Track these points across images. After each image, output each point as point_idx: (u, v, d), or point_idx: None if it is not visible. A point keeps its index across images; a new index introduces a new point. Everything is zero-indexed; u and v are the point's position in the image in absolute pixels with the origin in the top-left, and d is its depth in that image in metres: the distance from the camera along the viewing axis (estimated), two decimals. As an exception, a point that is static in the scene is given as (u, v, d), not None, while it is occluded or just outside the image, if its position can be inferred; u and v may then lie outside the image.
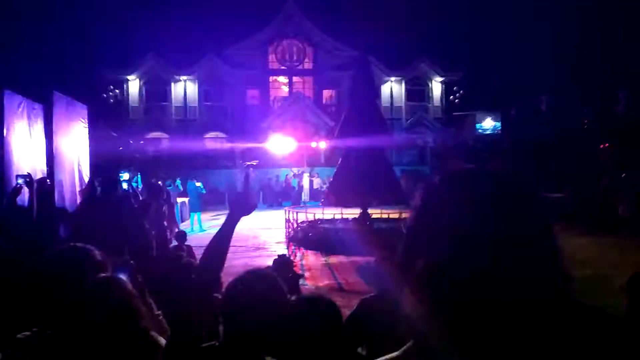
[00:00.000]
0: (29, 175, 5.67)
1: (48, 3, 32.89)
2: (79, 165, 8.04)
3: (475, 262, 0.71)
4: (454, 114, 34.33)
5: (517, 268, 0.71)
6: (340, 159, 14.47)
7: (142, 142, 27.64)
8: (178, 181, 18.80)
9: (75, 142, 7.99)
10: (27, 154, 6.85)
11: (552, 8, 34.47)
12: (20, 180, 5.52)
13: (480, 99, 33.73)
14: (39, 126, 7.26)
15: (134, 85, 30.24)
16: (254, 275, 1.70)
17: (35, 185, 5.73)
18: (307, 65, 31.74)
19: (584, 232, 11.57)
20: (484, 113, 31.39)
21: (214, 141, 29.61)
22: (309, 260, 10.73)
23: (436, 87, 33.28)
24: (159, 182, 14.18)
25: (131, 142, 24.72)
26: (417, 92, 33.22)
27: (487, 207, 0.74)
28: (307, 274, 8.72)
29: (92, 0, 33.25)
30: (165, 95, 30.63)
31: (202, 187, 17.12)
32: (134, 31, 37.76)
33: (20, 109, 6.72)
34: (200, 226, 15.37)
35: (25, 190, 5.58)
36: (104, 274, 1.74)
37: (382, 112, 14.10)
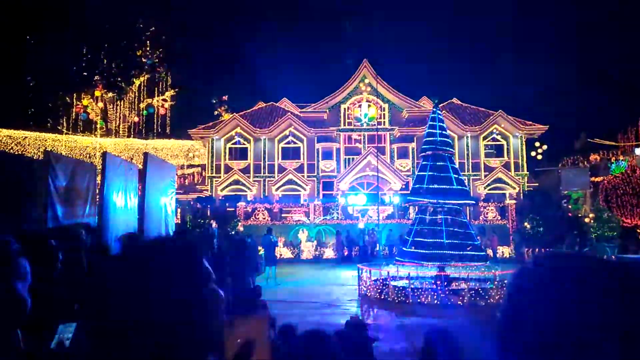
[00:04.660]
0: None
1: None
2: (166, 219, 8.61)
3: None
4: (536, 169, 32.74)
5: None
6: (415, 215, 14.20)
7: (222, 197, 29.08)
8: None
9: (164, 198, 8.61)
10: (122, 208, 7.48)
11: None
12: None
13: (564, 154, 31.98)
14: (133, 184, 7.95)
15: (216, 143, 32.32)
16: (315, 338, 1.69)
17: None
18: (381, 122, 32.26)
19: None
20: (568, 169, 29.66)
21: (289, 197, 30.42)
22: (382, 320, 10.37)
23: (516, 141, 32.12)
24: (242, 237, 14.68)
25: (212, 197, 26.11)
26: (495, 147, 32.27)
27: (597, 300, 0.69)
28: (380, 336, 8.41)
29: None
30: (245, 152, 32.38)
31: (276, 240, 17.48)
32: (218, 93, 41.02)
33: (119, 168, 7.44)
34: (275, 280, 15.54)
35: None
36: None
37: (458, 167, 13.81)
